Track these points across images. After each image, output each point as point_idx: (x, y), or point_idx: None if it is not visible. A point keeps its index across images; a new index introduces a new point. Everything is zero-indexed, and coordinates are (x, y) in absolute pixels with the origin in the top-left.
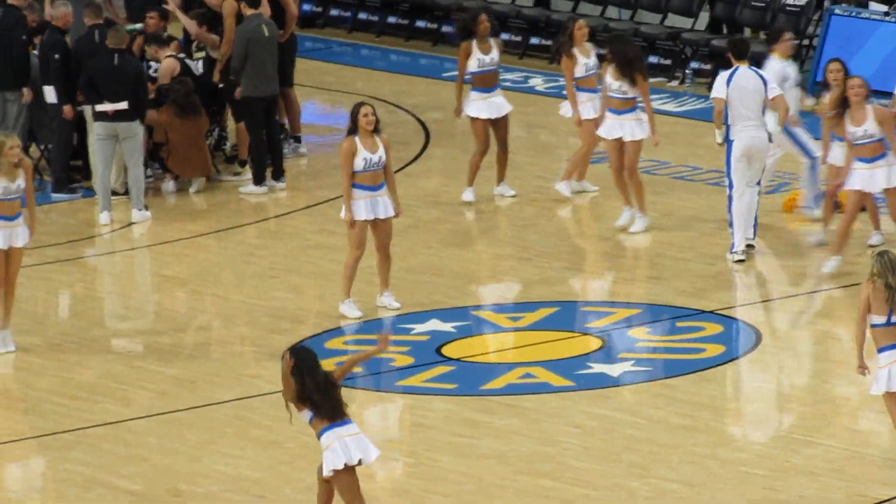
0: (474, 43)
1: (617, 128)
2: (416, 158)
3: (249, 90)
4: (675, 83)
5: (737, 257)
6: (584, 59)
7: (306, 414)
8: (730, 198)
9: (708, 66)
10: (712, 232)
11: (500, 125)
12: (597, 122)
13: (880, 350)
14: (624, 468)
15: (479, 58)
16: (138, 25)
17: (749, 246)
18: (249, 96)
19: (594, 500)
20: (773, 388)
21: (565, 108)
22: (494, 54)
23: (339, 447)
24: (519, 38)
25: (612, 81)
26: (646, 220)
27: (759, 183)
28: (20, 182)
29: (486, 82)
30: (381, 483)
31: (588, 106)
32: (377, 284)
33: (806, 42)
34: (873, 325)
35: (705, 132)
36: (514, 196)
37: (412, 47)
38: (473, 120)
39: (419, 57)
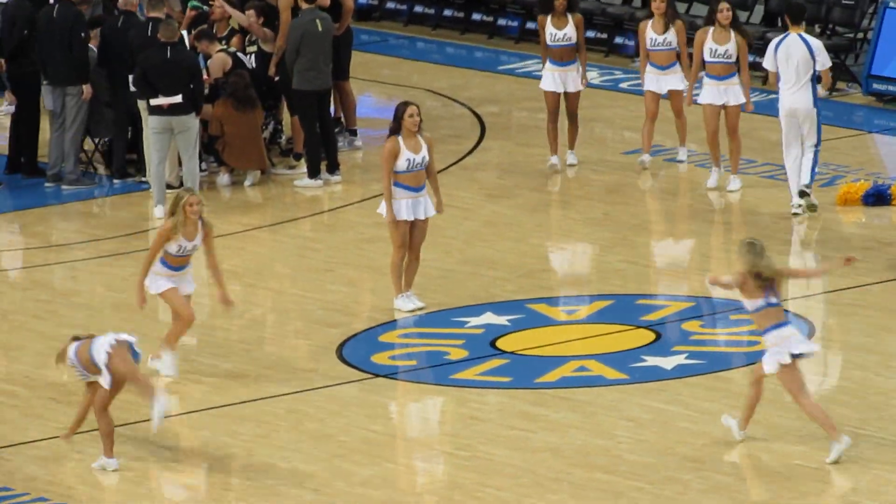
0: (549, 17)
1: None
2: (471, 151)
3: (302, 84)
4: None
5: (792, 210)
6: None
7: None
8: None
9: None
10: (766, 224)
11: (570, 98)
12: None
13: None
14: (678, 461)
15: (552, 32)
16: (206, 7)
17: (803, 193)
18: (302, 90)
19: (648, 494)
20: (827, 381)
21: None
22: (568, 30)
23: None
24: None
25: (716, 46)
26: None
27: (817, 144)
28: (197, 241)
29: (560, 56)
30: (436, 476)
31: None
32: (438, 278)
33: (861, 35)
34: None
35: (760, 125)
36: (574, 165)
37: (468, 40)
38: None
39: (475, 50)
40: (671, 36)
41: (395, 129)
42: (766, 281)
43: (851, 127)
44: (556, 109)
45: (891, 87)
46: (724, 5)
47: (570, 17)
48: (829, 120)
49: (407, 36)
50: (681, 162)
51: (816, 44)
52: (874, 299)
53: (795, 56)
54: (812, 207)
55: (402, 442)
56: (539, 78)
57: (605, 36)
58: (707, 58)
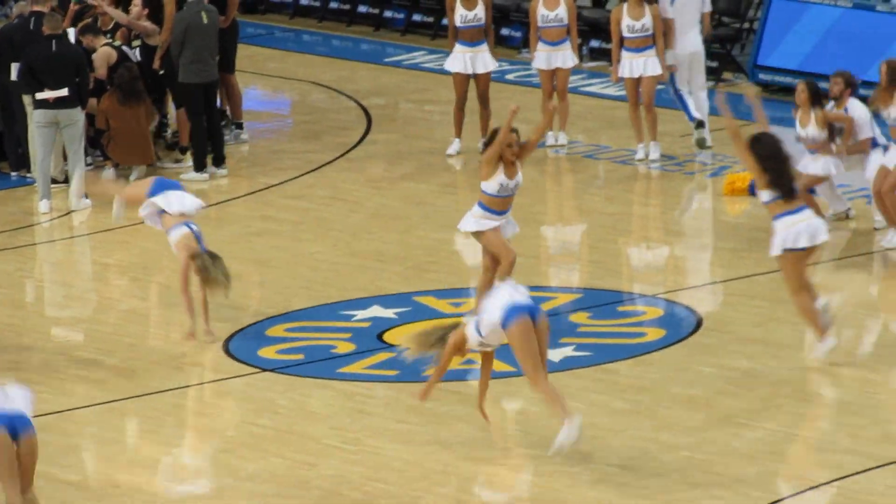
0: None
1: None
2: (358, 144)
3: (188, 76)
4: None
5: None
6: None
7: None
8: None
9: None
10: (654, 215)
11: (480, 80)
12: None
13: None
14: (566, 453)
15: (462, 13)
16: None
17: (700, 123)
18: (188, 82)
19: (537, 486)
20: (714, 372)
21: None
22: (479, 10)
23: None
24: None
25: (633, 21)
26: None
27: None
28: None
29: (470, 37)
30: (324, 470)
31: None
32: (326, 271)
33: (747, 26)
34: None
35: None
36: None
37: (354, 32)
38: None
39: (361, 42)
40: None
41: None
42: None
43: (738, 117)
44: (465, 92)
45: (777, 78)
46: None
47: None
48: (716, 110)
49: (293, 28)
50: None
51: None
52: (762, 290)
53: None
54: (702, 143)
55: (290, 436)
56: (426, 70)
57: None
58: (625, 34)
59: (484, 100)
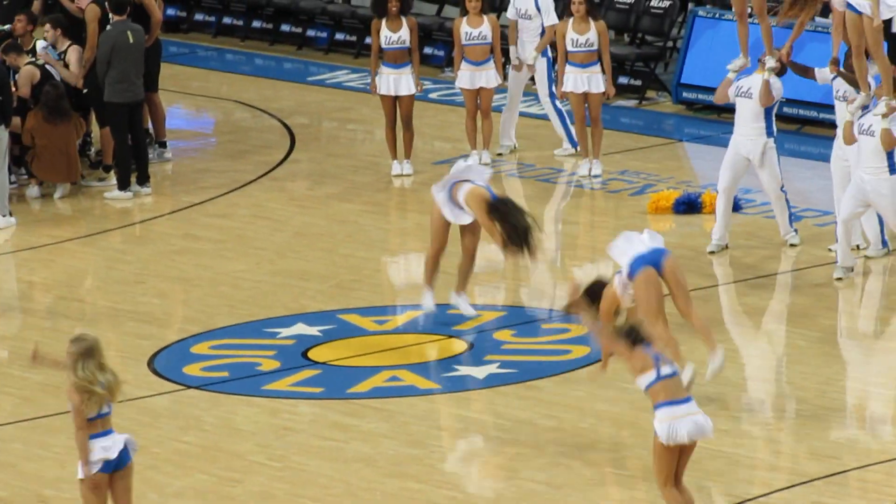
0: (384, 21)
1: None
2: (281, 162)
3: (114, 96)
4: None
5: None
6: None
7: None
8: None
9: None
10: (578, 233)
11: (403, 102)
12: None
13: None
14: (490, 470)
15: (387, 35)
16: (6, 27)
17: None
18: (114, 102)
19: (460, 502)
20: (637, 389)
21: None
22: (402, 33)
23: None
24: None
25: (577, 36)
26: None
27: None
28: None
29: (394, 59)
30: (249, 487)
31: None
32: (250, 290)
33: (670, 44)
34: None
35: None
36: (410, 175)
37: (277, 51)
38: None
39: (284, 61)
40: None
41: None
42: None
43: (661, 135)
44: (393, 113)
45: (700, 96)
46: None
47: (404, 20)
48: (640, 129)
49: (216, 47)
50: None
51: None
52: None
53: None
54: None
55: (215, 453)
56: (349, 88)
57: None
58: (569, 48)
59: (407, 121)
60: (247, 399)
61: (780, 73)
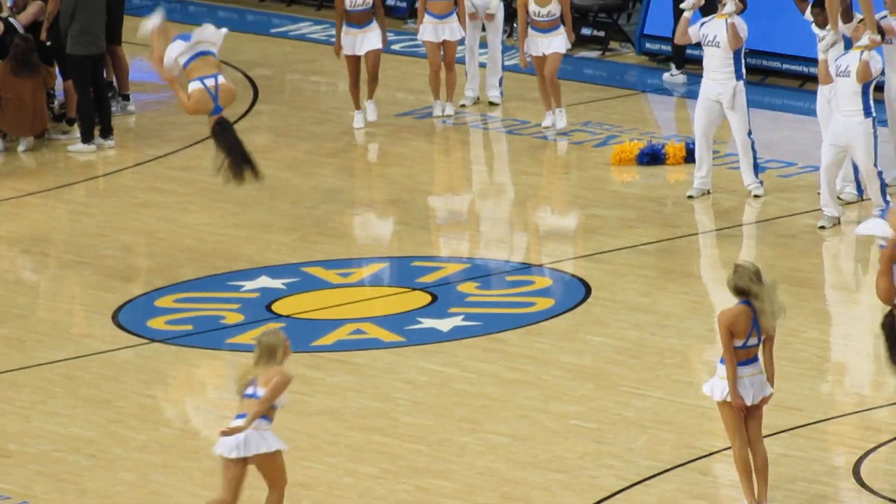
0: None
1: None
2: (244, 115)
3: (76, 48)
4: None
5: None
6: None
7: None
8: None
9: None
10: (541, 185)
11: (369, 58)
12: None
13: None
14: (455, 423)
15: None
16: None
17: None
18: (77, 54)
19: (425, 456)
20: (602, 341)
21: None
22: None
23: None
24: None
25: (538, 7)
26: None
27: None
28: None
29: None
30: (213, 440)
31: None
32: (213, 242)
33: None
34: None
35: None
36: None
37: (239, 3)
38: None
39: (246, 13)
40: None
41: None
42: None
43: (625, 87)
44: (357, 71)
45: (663, 47)
46: None
47: None
48: (603, 80)
49: (178, 0)
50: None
51: None
52: (649, 259)
53: None
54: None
55: (179, 407)
56: (312, 40)
57: None
58: (532, 17)
59: (372, 75)
60: (211, 352)
61: (741, 10)
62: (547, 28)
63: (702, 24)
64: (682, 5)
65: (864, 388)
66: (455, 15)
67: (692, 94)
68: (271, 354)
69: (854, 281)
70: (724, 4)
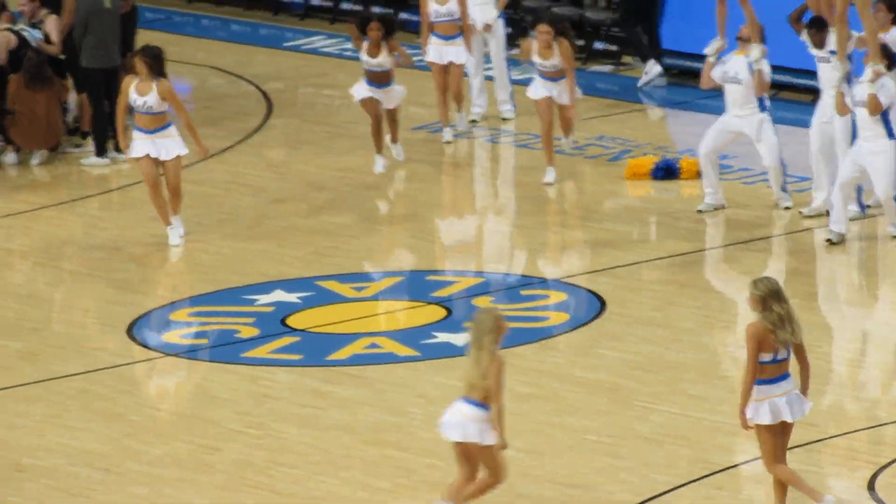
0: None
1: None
2: (258, 129)
3: (91, 62)
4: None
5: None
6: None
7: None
8: None
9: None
10: (555, 200)
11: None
12: None
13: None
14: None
15: (366, 59)
16: None
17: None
18: (91, 67)
19: (440, 470)
20: (617, 356)
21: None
22: (380, 59)
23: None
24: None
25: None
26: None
27: None
28: None
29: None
30: (228, 455)
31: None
32: (228, 256)
33: None
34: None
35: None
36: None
37: (252, 17)
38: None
39: (259, 27)
40: (453, 6)
41: None
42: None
43: (640, 101)
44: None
45: (679, 61)
46: None
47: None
48: (617, 94)
49: (191, 13)
50: (448, 143)
51: None
52: (663, 274)
53: None
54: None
55: (193, 421)
56: (325, 54)
57: (390, 11)
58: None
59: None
60: (226, 366)
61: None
62: (555, 77)
63: (723, 63)
64: (705, 50)
65: (878, 403)
66: (461, 38)
67: (704, 108)
68: (483, 336)
69: (866, 296)
70: (746, 45)
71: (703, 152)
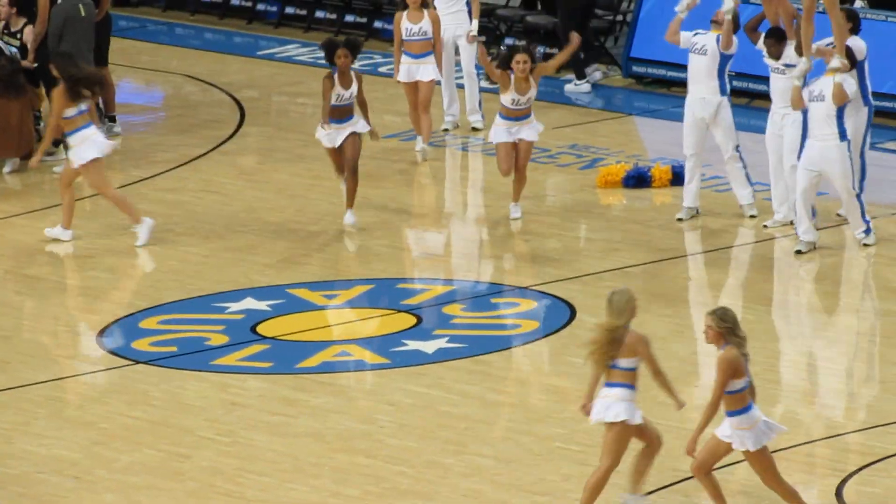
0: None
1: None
2: (231, 137)
3: None
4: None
5: None
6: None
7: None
8: None
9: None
10: (528, 208)
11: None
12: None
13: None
14: (439, 445)
15: (339, 92)
16: None
17: None
18: None
19: (410, 478)
20: (588, 366)
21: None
22: (352, 89)
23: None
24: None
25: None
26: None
27: None
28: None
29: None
30: (198, 462)
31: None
32: (198, 264)
33: (620, 18)
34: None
35: None
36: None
37: (226, 25)
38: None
39: (234, 35)
40: (426, 25)
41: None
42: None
43: (612, 109)
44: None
45: (650, 70)
46: None
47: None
48: (590, 103)
49: (165, 21)
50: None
51: None
52: (634, 282)
53: None
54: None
55: (163, 428)
56: (299, 62)
57: (364, 20)
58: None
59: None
60: (195, 374)
61: (736, 28)
62: (521, 116)
63: (695, 34)
64: (676, 7)
65: (844, 411)
66: (431, 56)
67: (676, 116)
68: (620, 314)
69: (834, 304)
70: (720, 22)
71: (689, 152)
